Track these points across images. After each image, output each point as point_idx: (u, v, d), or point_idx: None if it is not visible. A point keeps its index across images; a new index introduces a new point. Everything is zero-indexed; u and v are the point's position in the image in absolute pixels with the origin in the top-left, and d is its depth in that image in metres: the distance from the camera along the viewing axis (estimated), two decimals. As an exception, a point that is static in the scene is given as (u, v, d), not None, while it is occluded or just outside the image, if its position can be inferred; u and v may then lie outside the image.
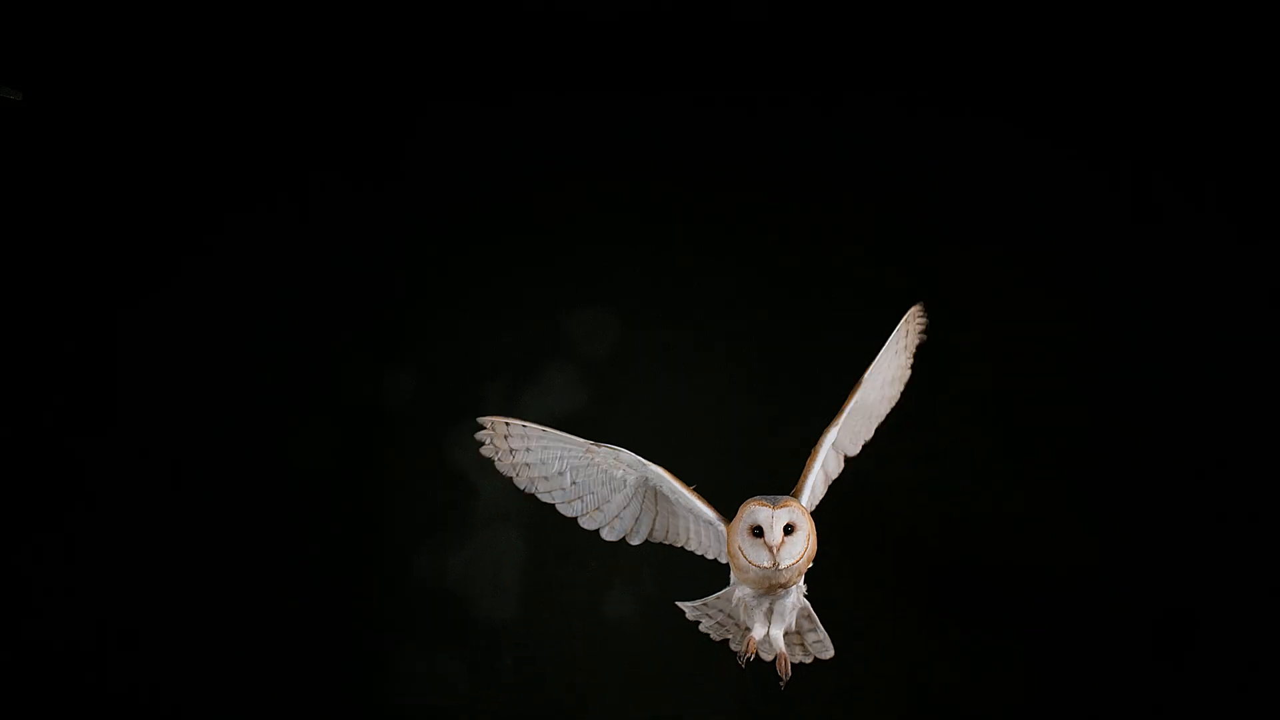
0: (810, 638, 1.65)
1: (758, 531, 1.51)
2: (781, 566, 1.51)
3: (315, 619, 1.95)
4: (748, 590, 1.57)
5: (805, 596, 1.62)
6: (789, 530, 1.51)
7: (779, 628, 1.60)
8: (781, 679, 1.60)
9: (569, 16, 2.00)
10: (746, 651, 1.59)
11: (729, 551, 1.56)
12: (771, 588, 1.54)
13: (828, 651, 1.65)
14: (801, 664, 1.64)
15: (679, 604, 1.65)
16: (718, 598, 1.64)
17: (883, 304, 1.95)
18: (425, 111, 2.02)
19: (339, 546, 1.97)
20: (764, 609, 1.59)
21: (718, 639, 1.68)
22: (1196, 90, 1.95)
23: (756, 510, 1.53)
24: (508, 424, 1.57)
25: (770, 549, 1.51)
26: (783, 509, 1.52)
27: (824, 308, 2.00)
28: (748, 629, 1.61)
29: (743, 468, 1.91)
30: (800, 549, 1.52)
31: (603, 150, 2.02)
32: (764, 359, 2.01)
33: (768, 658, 1.62)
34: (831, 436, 1.60)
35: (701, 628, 1.67)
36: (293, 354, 1.99)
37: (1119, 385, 1.94)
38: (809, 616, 1.64)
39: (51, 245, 1.97)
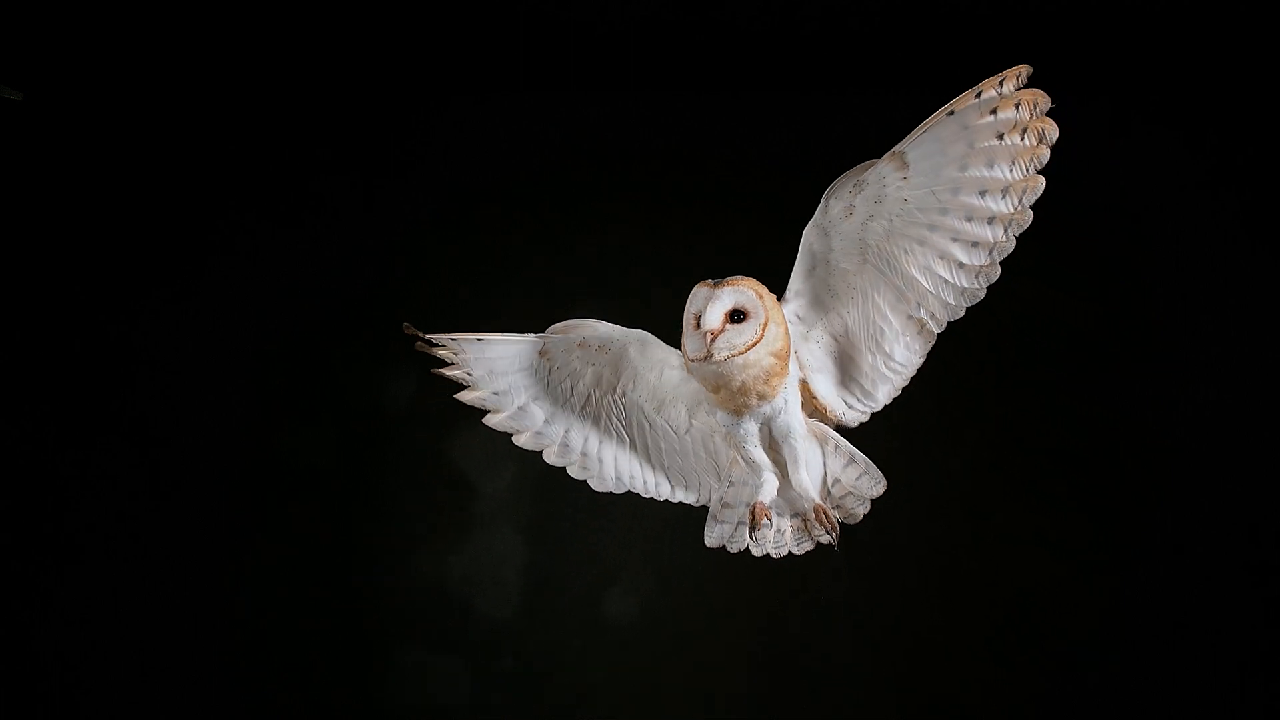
0: (849, 476, 1.35)
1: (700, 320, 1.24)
2: (718, 357, 1.21)
3: (315, 618, 1.95)
4: (724, 417, 1.28)
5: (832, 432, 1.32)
6: (737, 317, 1.23)
7: (797, 470, 1.31)
8: (830, 537, 1.32)
9: (570, 16, 2.00)
10: (755, 521, 1.30)
11: (686, 366, 1.28)
12: (736, 399, 1.25)
13: (877, 486, 1.35)
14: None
15: (707, 542, 1.41)
16: (728, 484, 1.37)
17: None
18: (425, 111, 2.02)
19: (339, 546, 1.97)
20: (761, 444, 1.30)
21: (773, 550, 1.40)
22: (1199, 86, 1.94)
23: (696, 291, 1.26)
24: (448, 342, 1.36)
25: (704, 335, 1.22)
26: (727, 288, 1.24)
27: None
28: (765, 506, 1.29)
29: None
30: (748, 339, 1.22)
31: (603, 150, 2.02)
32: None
33: (787, 547, 1.38)
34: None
35: (751, 545, 1.40)
36: (293, 354, 1.99)
37: (1120, 385, 1.93)
38: (837, 447, 1.34)
39: (52, 245, 1.97)
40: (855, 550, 1.92)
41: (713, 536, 1.41)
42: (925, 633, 1.93)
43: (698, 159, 2.03)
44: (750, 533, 1.34)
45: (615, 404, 1.39)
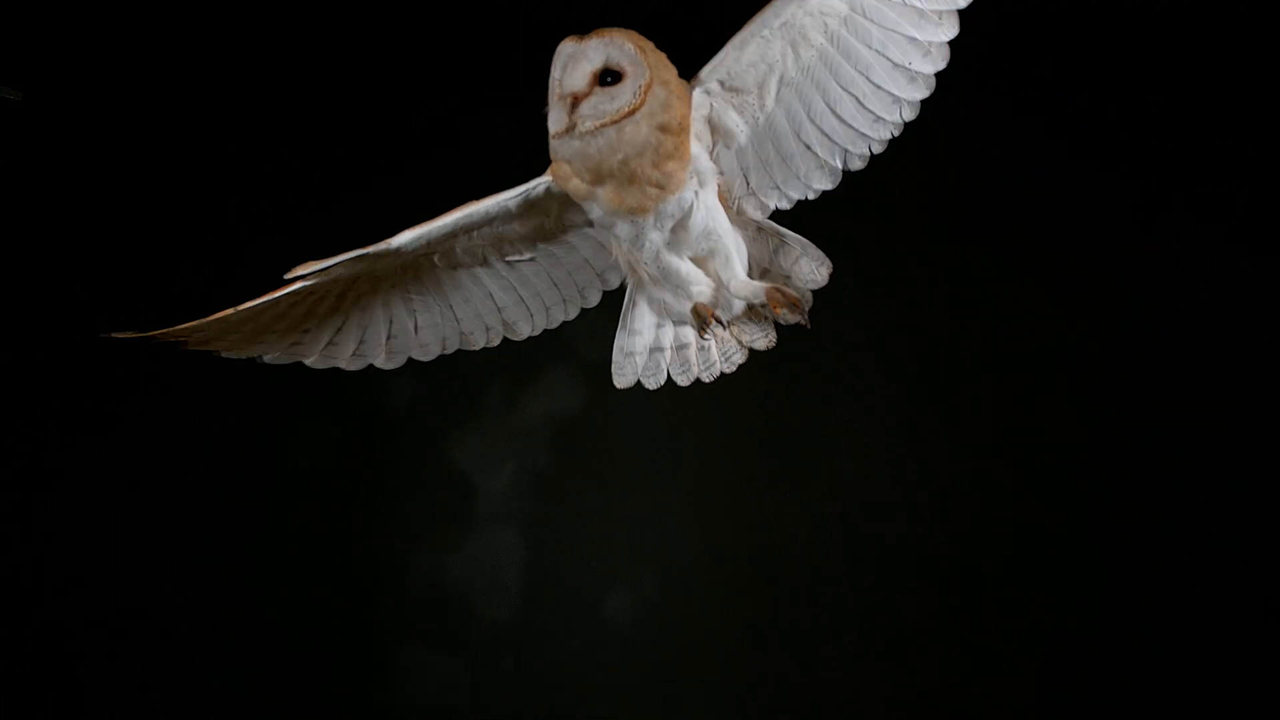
0: (784, 263, 1.11)
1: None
2: (583, 128, 0.96)
3: (315, 618, 1.95)
4: (625, 228, 1.01)
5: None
6: (609, 78, 0.97)
7: (730, 268, 1.05)
8: (801, 319, 1.07)
9: (570, 16, 1.99)
10: (704, 322, 1.04)
11: (552, 165, 1.02)
12: (628, 192, 0.98)
13: (820, 268, 1.11)
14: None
15: (618, 384, 1.15)
16: (630, 303, 1.11)
17: (886, 302, 1.96)
18: (425, 112, 2.02)
19: (339, 546, 1.98)
20: (667, 254, 1.03)
21: (703, 371, 1.15)
22: (1199, 86, 1.94)
23: (559, 50, 1.01)
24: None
25: (565, 101, 0.97)
26: (594, 40, 0.99)
27: (826, 305, 1.99)
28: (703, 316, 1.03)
29: (745, 470, 1.91)
30: (622, 104, 0.96)
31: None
32: (766, 358, 2.00)
33: (739, 337, 1.13)
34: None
35: (678, 373, 1.15)
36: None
37: (1118, 386, 1.93)
38: (760, 230, 1.09)
39: (52, 246, 1.97)
40: (855, 548, 1.95)
41: (624, 375, 1.17)
42: (927, 632, 1.93)
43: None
44: (701, 334, 1.08)
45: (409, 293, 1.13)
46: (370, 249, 1.11)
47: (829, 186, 1.09)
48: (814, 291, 1.13)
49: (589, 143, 0.98)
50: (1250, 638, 1.86)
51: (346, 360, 1.19)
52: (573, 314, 1.19)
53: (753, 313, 1.15)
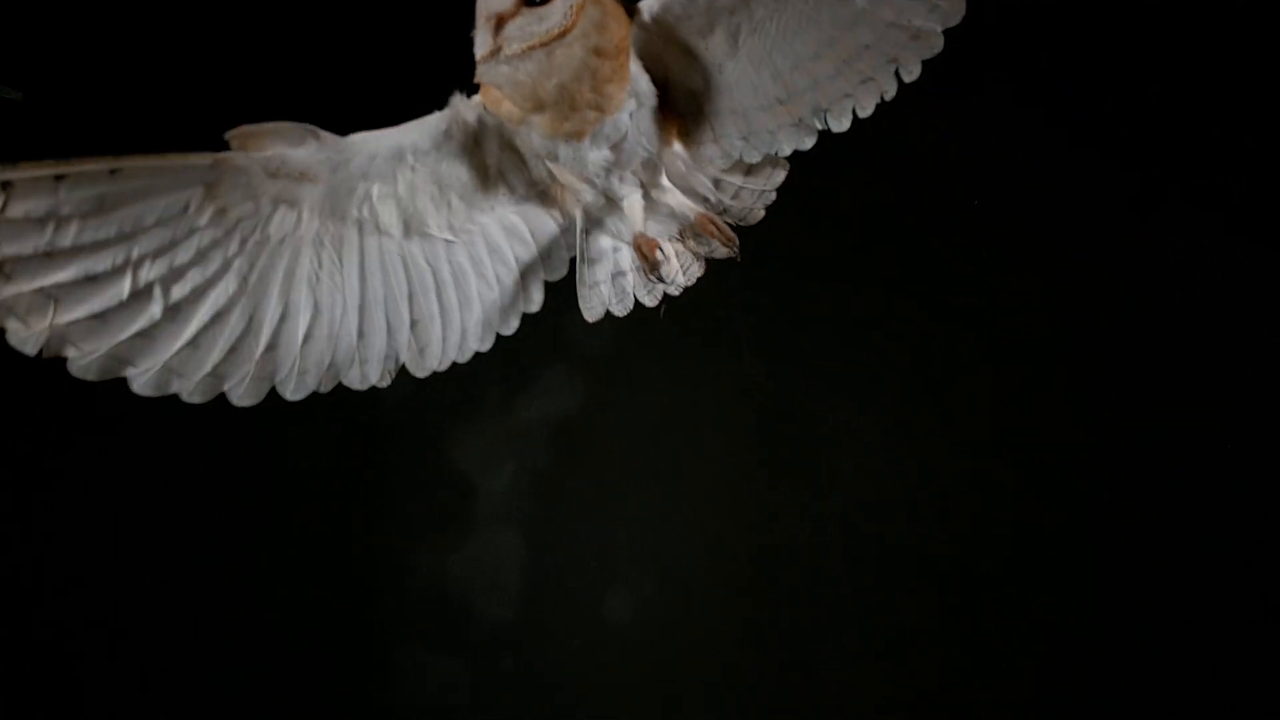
0: (740, 168, 1.05)
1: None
2: (509, 50, 0.90)
3: (314, 619, 1.95)
4: (566, 151, 0.96)
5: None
6: None
7: (660, 186, 1.01)
8: (730, 248, 1.03)
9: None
10: (650, 259, 0.99)
11: (482, 93, 0.97)
12: (568, 116, 0.93)
13: (776, 173, 1.08)
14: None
15: (588, 317, 1.11)
16: (583, 233, 1.06)
17: (888, 301, 1.96)
18: (425, 111, 2.01)
19: (339, 546, 1.97)
20: (604, 173, 0.99)
21: (671, 286, 1.11)
22: (1199, 77, 1.94)
23: None
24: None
25: (490, 22, 0.90)
26: None
27: (827, 304, 2.00)
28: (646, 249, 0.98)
29: (745, 470, 1.91)
30: (552, 25, 0.89)
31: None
32: (765, 358, 2.01)
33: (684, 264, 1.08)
34: None
35: (644, 295, 1.11)
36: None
37: (1117, 383, 1.93)
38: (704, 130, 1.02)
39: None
40: (856, 548, 1.94)
41: (592, 308, 1.12)
42: (928, 632, 1.93)
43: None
44: (651, 274, 1.02)
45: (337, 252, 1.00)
46: (318, 129, 1.00)
47: (803, 147, 1.04)
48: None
49: (518, 67, 0.92)
50: (1250, 638, 1.86)
51: (190, 386, 1.02)
52: (488, 344, 1.14)
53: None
